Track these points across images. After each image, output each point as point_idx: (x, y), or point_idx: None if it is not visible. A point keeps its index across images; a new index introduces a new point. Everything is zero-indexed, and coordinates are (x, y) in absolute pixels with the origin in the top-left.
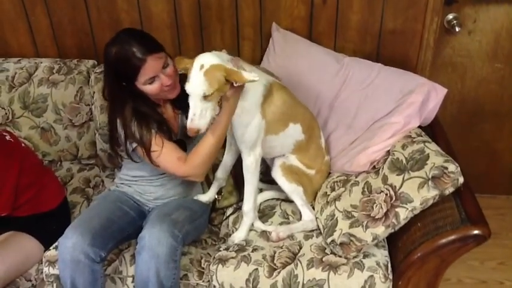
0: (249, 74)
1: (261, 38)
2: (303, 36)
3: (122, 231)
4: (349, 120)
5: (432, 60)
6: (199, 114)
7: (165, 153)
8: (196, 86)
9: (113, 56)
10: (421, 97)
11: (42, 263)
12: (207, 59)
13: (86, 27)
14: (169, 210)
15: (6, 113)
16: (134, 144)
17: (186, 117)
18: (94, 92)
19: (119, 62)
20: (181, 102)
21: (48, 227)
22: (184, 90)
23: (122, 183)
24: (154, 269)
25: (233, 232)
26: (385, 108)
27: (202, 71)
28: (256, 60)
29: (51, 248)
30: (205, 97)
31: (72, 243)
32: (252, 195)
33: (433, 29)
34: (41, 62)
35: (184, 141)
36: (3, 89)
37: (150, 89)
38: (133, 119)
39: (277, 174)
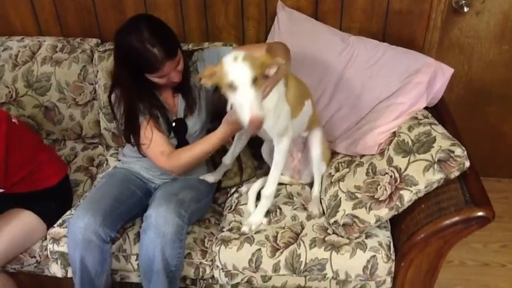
0: (277, 58)
1: (266, 17)
2: (309, 15)
3: (129, 212)
4: (354, 99)
5: (439, 41)
6: (256, 102)
7: (152, 146)
8: (241, 73)
9: (130, 49)
10: (427, 77)
11: (45, 240)
12: (235, 53)
13: (89, 5)
14: (176, 190)
15: (10, 92)
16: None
17: (185, 97)
18: (98, 71)
19: (136, 57)
20: (180, 85)
21: (48, 204)
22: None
23: (128, 160)
24: (159, 248)
25: (230, 212)
26: (390, 88)
27: (238, 60)
28: (260, 40)
29: (55, 225)
30: (254, 81)
31: (84, 223)
32: (277, 180)
33: (440, 9)
34: (44, 41)
35: (184, 120)
36: (6, 68)
37: (158, 81)
38: (130, 103)
39: (316, 147)
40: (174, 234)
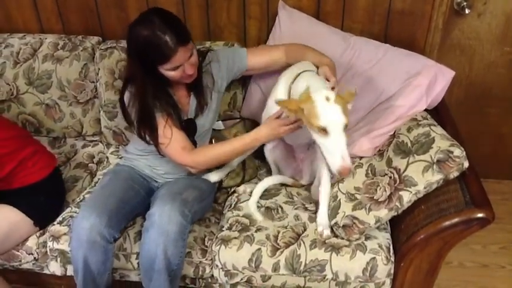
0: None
1: (268, 16)
2: (310, 15)
3: (133, 212)
4: (354, 100)
5: (440, 42)
6: (347, 150)
7: (172, 143)
8: (336, 119)
9: (141, 39)
10: (427, 80)
11: (41, 236)
12: (325, 91)
13: (91, 3)
14: (180, 189)
15: (10, 89)
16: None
17: (197, 98)
18: (99, 69)
19: (148, 46)
20: (193, 84)
21: (35, 199)
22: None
23: (131, 157)
24: (162, 246)
25: (230, 211)
26: (390, 90)
27: (331, 103)
28: (262, 39)
29: (55, 222)
30: (345, 129)
31: (89, 224)
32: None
33: (442, 11)
34: (46, 38)
35: (194, 120)
36: (7, 65)
37: (172, 75)
38: (145, 100)
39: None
40: (177, 233)
